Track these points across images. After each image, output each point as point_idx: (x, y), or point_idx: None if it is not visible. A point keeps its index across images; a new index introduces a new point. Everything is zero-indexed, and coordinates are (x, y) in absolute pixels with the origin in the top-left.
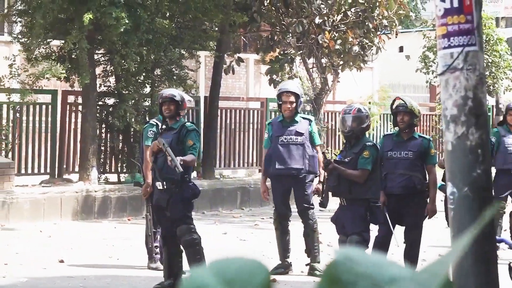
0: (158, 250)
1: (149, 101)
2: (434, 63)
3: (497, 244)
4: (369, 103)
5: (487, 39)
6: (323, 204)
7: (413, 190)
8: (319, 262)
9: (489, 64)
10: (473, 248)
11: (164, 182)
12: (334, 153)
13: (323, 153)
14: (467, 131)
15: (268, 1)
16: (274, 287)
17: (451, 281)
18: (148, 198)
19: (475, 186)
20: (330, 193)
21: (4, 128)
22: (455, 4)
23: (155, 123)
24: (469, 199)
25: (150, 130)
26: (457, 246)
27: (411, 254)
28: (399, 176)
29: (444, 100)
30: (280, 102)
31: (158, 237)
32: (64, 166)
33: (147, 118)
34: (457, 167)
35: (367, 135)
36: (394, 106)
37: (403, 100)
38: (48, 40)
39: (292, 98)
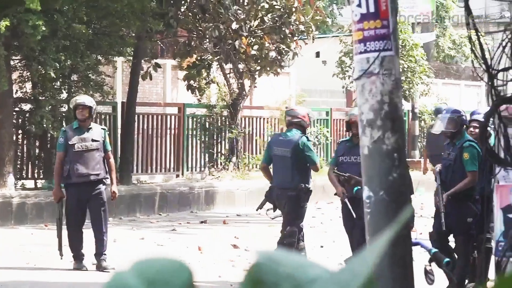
0: (83, 251)
1: (66, 107)
2: (351, 68)
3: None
4: (286, 108)
5: (403, 44)
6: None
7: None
8: None
9: (405, 69)
10: (389, 251)
11: None
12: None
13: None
14: (383, 135)
15: (185, 7)
16: (197, 287)
17: (374, 280)
18: (59, 201)
19: (391, 190)
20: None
21: None
22: (371, 10)
23: (64, 130)
24: (385, 202)
25: (61, 138)
26: (376, 247)
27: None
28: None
29: (360, 104)
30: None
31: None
32: None
33: (64, 124)
34: (374, 171)
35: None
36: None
37: None
38: None
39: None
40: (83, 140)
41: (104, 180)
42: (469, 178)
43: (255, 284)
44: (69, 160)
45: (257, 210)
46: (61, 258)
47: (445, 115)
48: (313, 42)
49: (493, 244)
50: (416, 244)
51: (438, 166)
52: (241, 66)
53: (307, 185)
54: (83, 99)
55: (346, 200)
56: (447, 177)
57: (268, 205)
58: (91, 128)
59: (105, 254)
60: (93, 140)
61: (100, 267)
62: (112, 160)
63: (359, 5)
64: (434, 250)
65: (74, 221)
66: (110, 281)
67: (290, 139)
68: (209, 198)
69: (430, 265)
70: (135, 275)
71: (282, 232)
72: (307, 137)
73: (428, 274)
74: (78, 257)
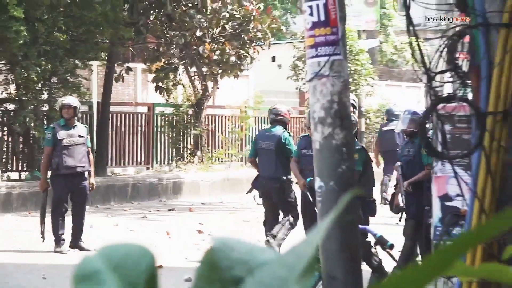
0: (63, 236)
1: (47, 107)
2: (303, 71)
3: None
4: (245, 107)
5: (350, 49)
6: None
7: None
8: None
9: (352, 72)
10: (338, 236)
11: None
12: None
13: None
14: (333, 131)
15: (153, 16)
16: (159, 272)
17: (316, 261)
18: (44, 191)
19: (340, 181)
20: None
21: None
22: (322, 18)
23: (53, 127)
24: (335, 192)
25: (48, 134)
26: (320, 229)
27: None
28: (312, 171)
29: (312, 104)
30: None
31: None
32: None
33: (45, 122)
34: (324, 164)
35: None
36: None
37: None
38: None
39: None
40: (70, 135)
41: (88, 172)
42: (426, 171)
43: (210, 268)
44: (57, 153)
45: (247, 193)
46: (43, 241)
47: (407, 116)
48: (269, 48)
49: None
50: (364, 230)
51: (399, 163)
52: (204, 69)
53: (288, 176)
54: (69, 100)
55: (307, 191)
56: (408, 171)
57: (255, 192)
58: (76, 125)
59: (81, 238)
60: (79, 136)
61: (79, 248)
62: (91, 155)
63: (311, 14)
64: (378, 234)
65: (60, 208)
66: (80, 265)
67: (273, 134)
68: (176, 188)
69: (375, 248)
70: (101, 260)
71: (264, 222)
72: (288, 133)
73: (373, 256)
74: (58, 241)
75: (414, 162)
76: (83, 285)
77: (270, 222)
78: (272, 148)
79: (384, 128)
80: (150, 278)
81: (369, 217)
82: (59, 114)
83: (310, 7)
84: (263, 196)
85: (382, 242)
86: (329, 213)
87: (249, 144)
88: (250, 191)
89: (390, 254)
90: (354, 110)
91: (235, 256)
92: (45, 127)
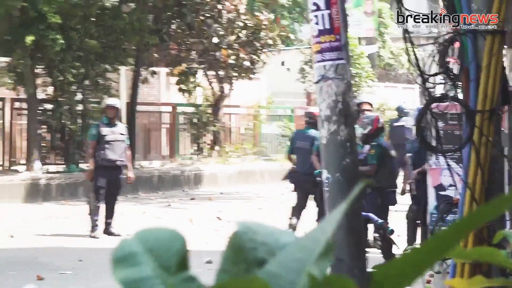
0: (98, 222)
1: (82, 107)
2: (310, 74)
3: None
4: (258, 107)
5: (351, 54)
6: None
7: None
8: None
9: (354, 74)
10: (344, 223)
11: None
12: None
13: None
14: (338, 128)
15: (175, 25)
16: (189, 254)
17: (332, 245)
18: (92, 180)
19: (345, 172)
20: None
21: None
22: (327, 26)
23: (97, 124)
24: (340, 182)
25: (94, 129)
26: (333, 216)
27: None
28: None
29: (319, 103)
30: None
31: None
32: (12, 159)
33: (79, 120)
34: (331, 157)
35: None
36: None
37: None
38: None
39: None
40: (113, 132)
41: (125, 166)
42: None
43: (236, 250)
44: (100, 147)
45: (282, 180)
46: (95, 231)
47: (416, 112)
48: (279, 53)
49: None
50: (366, 216)
51: (409, 154)
52: (221, 73)
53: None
54: (112, 101)
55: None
56: (416, 160)
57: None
58: (117, 124)
59: (112, 225)
60: (120, 134)
61: (110, 233)
62: (129, 152)
63: (317, 23)
64: (380, 221)
65: (99, 197)
66: (118, 248)
67: (308, 135)
68: (197, 179)
69: (377, 234)
70: (138, 243)
71: (293, 207)
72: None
73: (376, 241)
74: (94, 227)
75: (422, 152)
76: (121, 266)
77: (298, 207)
78: (307, 147)
79: (395, 124)
80: (181, 260)
81: (389, 206)
82: (103, 113)
83: (316, 16)
84: (298, 188)
85: (383, 228)
86: (336, 201)
87: (261, 140)
88: (284, 178)
89: (390, 239)
90: (371, 109)
91: (259, 239)
92: (89, 124)
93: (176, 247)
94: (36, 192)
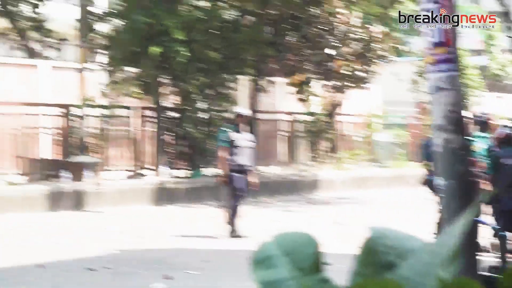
0: (236, 222)
1: (206, 115)
2: (422, 84)
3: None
4: (372, 115)
5: (461, 66)
6: None
7: None
8: None
9: (463, 85)
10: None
11: None
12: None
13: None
14: (451, 137)
15: (291, 37)
16: (323, 256)
17: (458, 251)
18: (225, 184)
19: (458, 179)
20: None
21: (95, 135)
22: (441, 39)
23: (228, 131)
24: (454, 188)
25: (224, 136)
26: (459, 225)
27: None
28: None
29: (433, 112)
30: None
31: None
32: (141, 165)
33: (204, 128)
34: (444, 164)
35: None
36: None
37: None
38: (125, 68)
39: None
40: (242, 139)
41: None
42: None
43: (370, 252)
44: (230, 153)
45: (422, 184)
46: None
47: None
48: (391, 64)
49: None
50: (478, 221)
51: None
52: (336, 83)
53: None
54: (242, 110)
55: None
56: None
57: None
58: (244, 131)
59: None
60: (249, 141)
61: (235, 235)
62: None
63: (431, 36)
64: (497, 227)
65: (232, 199)
66: (258, 250)
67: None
68: (314, 184)
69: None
70: (276, 246)
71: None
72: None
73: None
74: (230, 228)
75: None
76: (260, 267)
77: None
78: None
79: None
80: (315, 263)
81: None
82: (233, 121)
83: (431, 30)
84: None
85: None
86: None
87: (374, 147)
88: (423, 183)
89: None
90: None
91: (389, 243)
92: (216, 131)
93: (311, 250)
94: (163, 196)
